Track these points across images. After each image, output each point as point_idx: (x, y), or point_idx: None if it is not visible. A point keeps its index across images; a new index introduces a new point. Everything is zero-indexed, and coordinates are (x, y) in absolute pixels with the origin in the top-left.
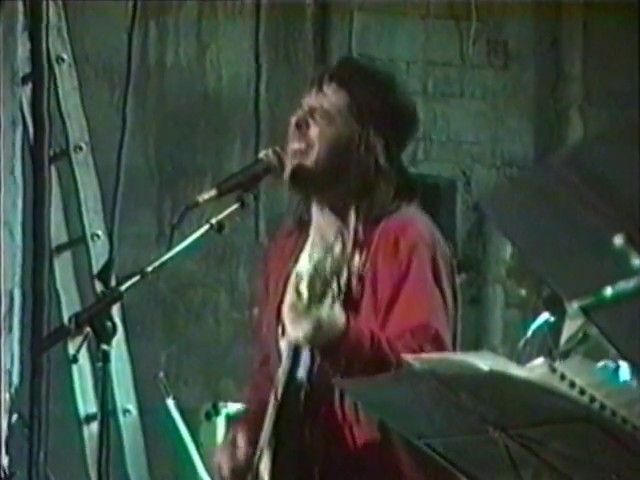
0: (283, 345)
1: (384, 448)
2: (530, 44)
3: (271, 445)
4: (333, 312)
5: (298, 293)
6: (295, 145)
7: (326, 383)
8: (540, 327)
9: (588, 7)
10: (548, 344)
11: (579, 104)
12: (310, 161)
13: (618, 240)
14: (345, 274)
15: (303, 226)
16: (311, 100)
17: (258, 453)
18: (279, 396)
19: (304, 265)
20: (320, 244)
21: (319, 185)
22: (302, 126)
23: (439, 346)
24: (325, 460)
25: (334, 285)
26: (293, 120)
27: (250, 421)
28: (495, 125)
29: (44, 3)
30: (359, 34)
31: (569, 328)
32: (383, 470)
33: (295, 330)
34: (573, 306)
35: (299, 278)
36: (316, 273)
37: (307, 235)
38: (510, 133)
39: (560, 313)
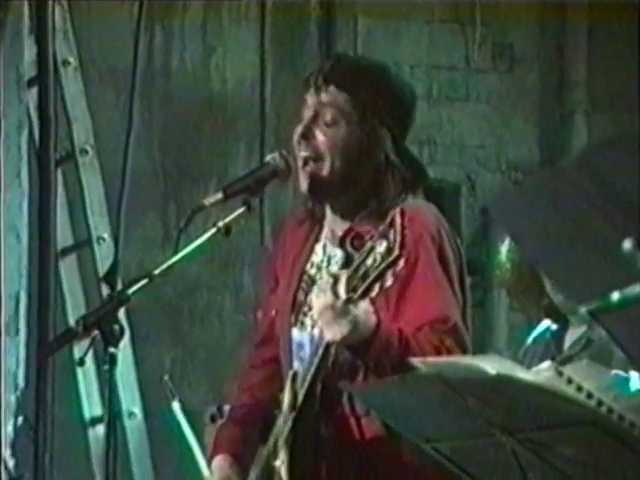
0: (296, 333)
1: (392, 441)
2: (535, 48)
3: (288, 443)
4: (367, 311)
5: (335, 293)
6: (304, 153)
7: (339, 378)
8: (541, 334)
9: (593, 12)
10: (551, 351)
11: (584, 108)
12: (325, 172)
13: (627, 245)
14: (390, 276)
15: (316, 217)
16: (311, 106)
17: (267, 452)
18: (301, 394)
19: (319, 256)
20: (332, 240)
21: (336, 193)
22: (308, 135)
23: (458, 338)
24: (334, 453)
25: (376, 286)
26: (298, 130)
27: (237, 439)
28: (500, 129)
29: (50, 7)
30: (364, 38)
31: (572, 335)
32: (390, 463)
33: (332, 331)
34: (577, 313)
35: (317, 271)
36: (355, 273)
37: (321, 227)
38: (515, 137)
39: (562, 321)
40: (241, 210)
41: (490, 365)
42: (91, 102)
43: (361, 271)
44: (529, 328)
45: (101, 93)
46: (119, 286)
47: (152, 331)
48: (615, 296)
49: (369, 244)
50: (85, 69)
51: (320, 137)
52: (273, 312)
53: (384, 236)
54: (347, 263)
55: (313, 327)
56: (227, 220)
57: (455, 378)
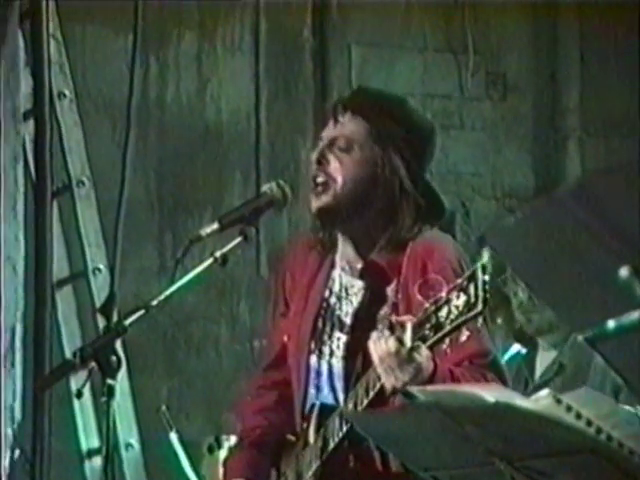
0: (314, 360)
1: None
2: (528, 76)
3: (317, 475)
4: (428, 357)
5: (399, 340)
6: (319, 179)
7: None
8: (512, 358)
9: (585, 39)
10: (523, 375)
11: (577, 135)
12: (333, 196)
13: (624, 272)
14: (465, 330)
15: (326, 244)
16: (329, 132)
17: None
18: (340, 433)
19: (337, 285)
20: (349, 271)
21: (344, 218)
22: (322, 161)
23: (498, 371)
24: None
25: (447, 339)
26: (314, 156)
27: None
28: (494, 156)
29: (45, 40)
30: (358, 67)
31: (543, 360)
32: None
33: (393, 377)
34: (545, 336)
35: (336, 300)
36: (425, 323)
37: (333, 255)
38: (509, 164)
39: (532, 345)
40: (238, 240)
41: (489, 393)
42: (87, 134)
43: (432, 321)
44: (524, 354)
45: (97, 125)
46: (115, 317)
47: (149, 362)
48: (611, 324)
49: (444, 295)
50: (81, 101)
51: (333, 163)
52: (285, 337)
53: (463, 289)
54: (368, 295)
55: (331, 356)
56: (224, 250)
57: (454, 406)
